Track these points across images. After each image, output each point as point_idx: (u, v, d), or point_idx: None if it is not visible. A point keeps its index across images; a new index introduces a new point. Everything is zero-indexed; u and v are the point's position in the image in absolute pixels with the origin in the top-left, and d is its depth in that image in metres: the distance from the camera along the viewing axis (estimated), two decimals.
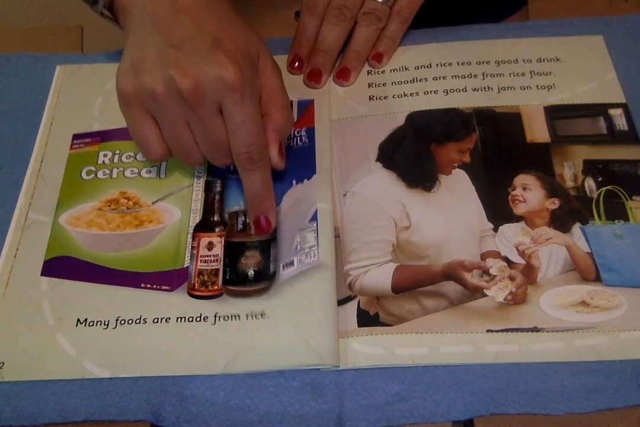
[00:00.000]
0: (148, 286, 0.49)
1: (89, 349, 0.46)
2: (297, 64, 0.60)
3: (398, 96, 0.59)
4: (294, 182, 0.53)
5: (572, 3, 0.65)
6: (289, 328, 0.46)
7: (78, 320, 0.47)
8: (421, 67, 0.61)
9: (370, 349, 0.46)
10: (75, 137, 0.57)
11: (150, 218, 0.52)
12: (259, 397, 0.44)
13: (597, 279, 0.47)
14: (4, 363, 0.46)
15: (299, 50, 0.60)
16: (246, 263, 0.49)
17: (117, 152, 0.56)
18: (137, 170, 0.55)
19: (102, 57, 0.63)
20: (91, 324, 0.47)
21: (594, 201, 0.51)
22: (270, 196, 0.49)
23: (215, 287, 0.49)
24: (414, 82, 0.60)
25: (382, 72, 0.61)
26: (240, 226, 0.50)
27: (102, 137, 0.57)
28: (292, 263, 0.49)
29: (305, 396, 0.44)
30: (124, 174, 0.55)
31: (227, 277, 0.49)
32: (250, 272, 0.49)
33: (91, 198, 0.54)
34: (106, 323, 0.47)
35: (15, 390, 0.45)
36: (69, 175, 0.55)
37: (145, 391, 0.45)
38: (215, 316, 0.47)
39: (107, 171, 0.55)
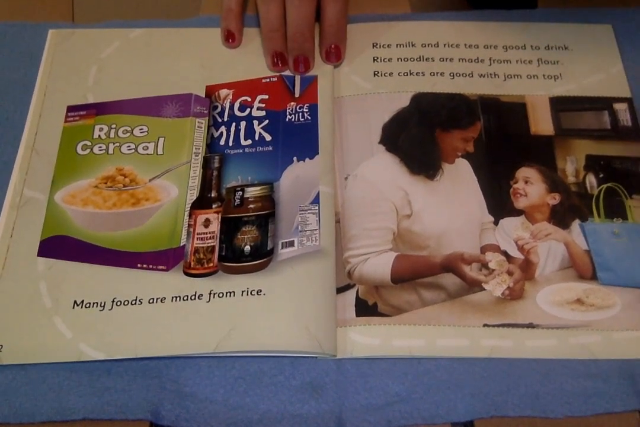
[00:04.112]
0: (144, 266, 0.48)
1: (85, 332, 0.45)
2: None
3: (404, 74, 0.58)
4: (294, 159, 0.52)
5: None
6: (287, 309, 0.46)
7: (75, 302, 0.47)
8: (428, 45, 0.59)
9: (368, 339, 0.46)
10: (70, 109, 0.55)
11: (147, 196, 0.51)
12: (258, 396, 0.44)
13: (594, 277, 0.48)
14: (2, 346, 0.45)
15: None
16: (242, 238, 0.48)
17: (113, 126, 0.54)
18: (133, 146, 0.53)
19: (94, 27, 0.60)
20: (87, 306, 0.46)
21: (594, 198, 0.51)
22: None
23: (211, 265, 0.48)
24: (420, 60, 0.58)
25: (387, 46, 0.59)
26: (237, 201, 0.49)
27: (98, 109, 0.55)
28: (292, 243, 0.49)
29: (306, 395, 0.44)
30: (120, 149, 0.53)
31: (223, 253, 0.49)
32: (247, 248, 0.48)
33: (87, 174, 0.52)
34: (102, 305, 0.46)
35: (13, 386, 0.44)
36: (64, 150, 0.53)
37: (144, 388, 0.44)
38: (210, 293, 0.47)
39: (103, 146, 0.53)
